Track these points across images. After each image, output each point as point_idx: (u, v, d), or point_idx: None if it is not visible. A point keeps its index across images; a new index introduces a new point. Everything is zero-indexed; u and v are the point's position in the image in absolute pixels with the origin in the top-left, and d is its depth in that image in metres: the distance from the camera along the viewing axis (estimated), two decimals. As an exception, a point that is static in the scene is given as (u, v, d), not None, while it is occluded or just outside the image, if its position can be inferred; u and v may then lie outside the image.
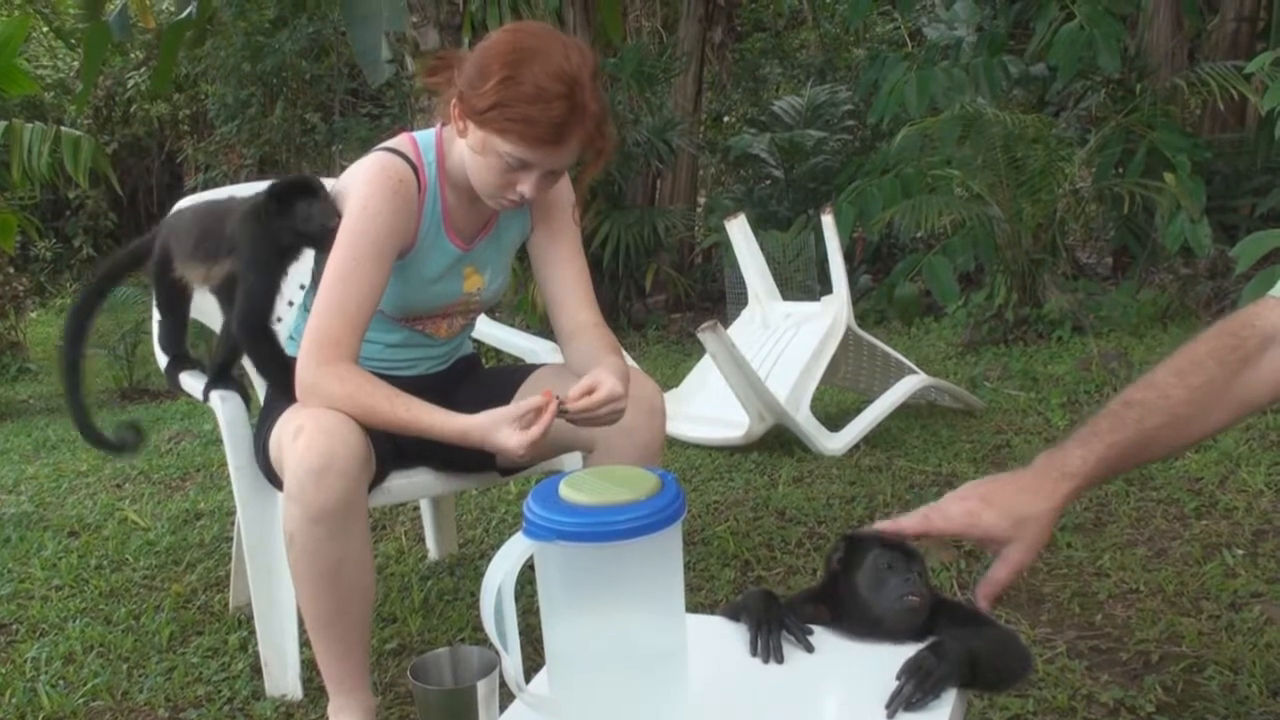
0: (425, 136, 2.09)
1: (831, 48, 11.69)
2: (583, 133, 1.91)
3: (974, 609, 1.44)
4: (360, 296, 1.96)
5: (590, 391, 1.86)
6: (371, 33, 6.74)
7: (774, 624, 1.39)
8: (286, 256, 2.21)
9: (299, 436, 1.87)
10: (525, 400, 1.83)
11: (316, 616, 2.00)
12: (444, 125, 2.08)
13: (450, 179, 2.07)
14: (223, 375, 2.32)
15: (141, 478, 4.32)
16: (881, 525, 1.45)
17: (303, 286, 2.37)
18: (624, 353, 2.12)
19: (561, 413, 1.84)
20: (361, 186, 2.01)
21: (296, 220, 2.12)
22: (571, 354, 2.13)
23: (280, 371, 2.11)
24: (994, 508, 1.40)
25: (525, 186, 1.94)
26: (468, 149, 1.96)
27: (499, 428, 1.82)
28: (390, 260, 2.01)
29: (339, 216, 2.03)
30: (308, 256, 2.35)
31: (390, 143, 2.09)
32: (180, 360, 2.49)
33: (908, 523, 1.43)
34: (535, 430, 1.80)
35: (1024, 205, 5.61)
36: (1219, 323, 1.47)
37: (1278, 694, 2.05)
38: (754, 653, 1.37)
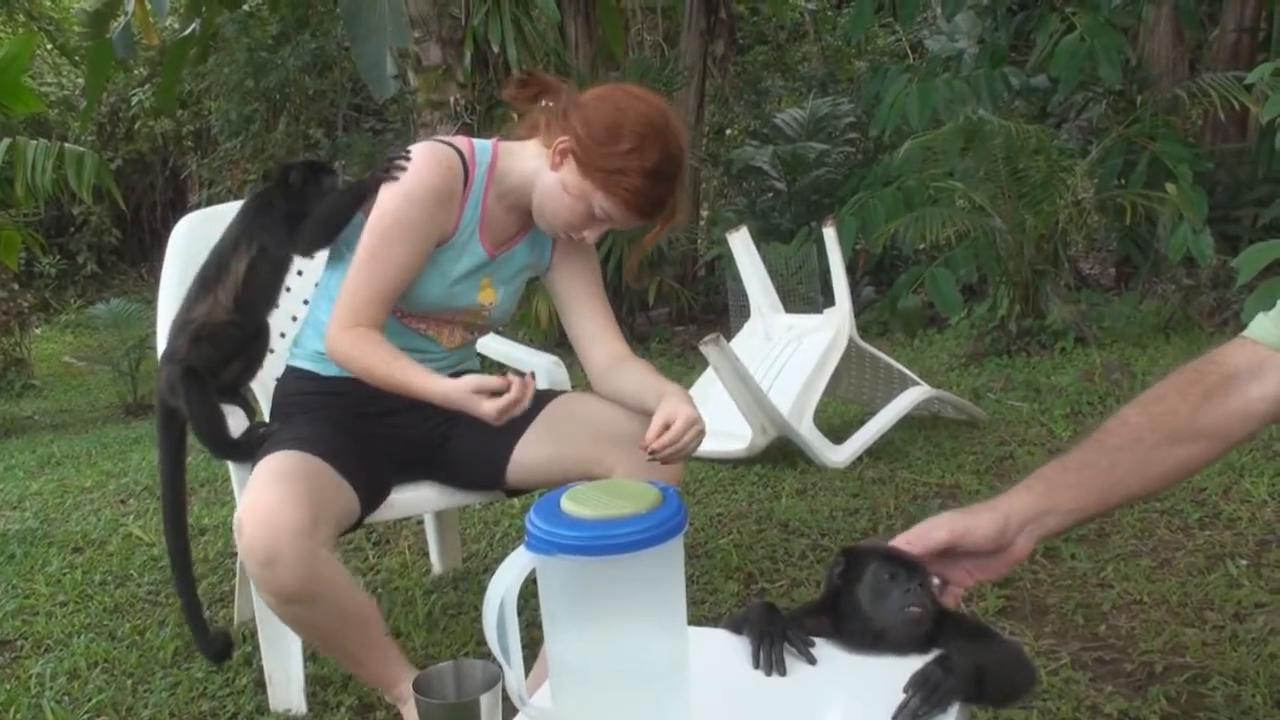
0: (482, 143, 2.17)
1: (833, 60, 11.70)
2: (670, 208, 2.06)
3: (978, 621, 1.44)
4: (387, 275, 2.05)
5: (667, 425, 1.93)
6: (376, 48, 6.77)
7: (776, 636, 1.39)
8: (273, 248, 2.26)
9: (241, 533, 1.92)
10: (499, 377, 1.91)
11: (338, 655, 2.16)
12: (501, 140, 2.18)
13: (497, 187, 2.14)
14: (227, 392, 2.33)
15: (145, 493, 4.33)
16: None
17: (306, 302, 2.38)
18: None
19: (652, 454, 1.92)
20: (409, 167, 2.07)
21: (322, 190, 2.19)
22: (613, 382, 2.18)
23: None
24: (955, 510, 1.46)
25: (591, 233, 2.09)
26: (554, 183, 2.05)
27: (471, 397, 1.92)
28: (424, 244, 2.08)
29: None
30: (309, 273, 2.36)
31: (445, 136, 2.18)
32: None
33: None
34: (505, 400, 1.90)
35: (1026, 216, 5.61)
36: (1190, 361, 1.50)
37: (1282, 704, 2.05)
38: (756, 665, 1.37)
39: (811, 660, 1.37)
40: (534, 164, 2.10)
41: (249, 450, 2.23)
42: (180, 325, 2.27)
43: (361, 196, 2.14)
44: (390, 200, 2.05)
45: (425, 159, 2.07)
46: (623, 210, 2.02)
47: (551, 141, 2.06)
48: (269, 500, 1.92)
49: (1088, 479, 1.45)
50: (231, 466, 2.29)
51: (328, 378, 2.19)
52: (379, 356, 2.01)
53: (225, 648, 2.47)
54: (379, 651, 2.08)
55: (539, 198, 2.09)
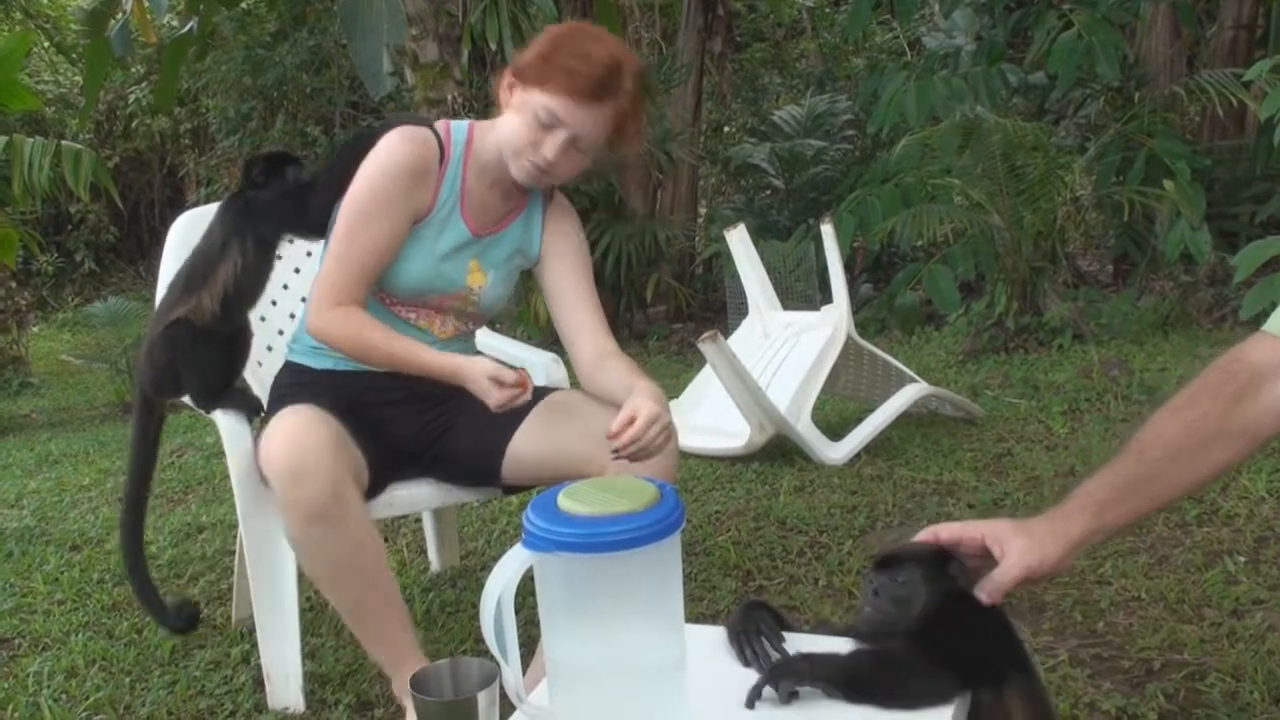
0: (459, 123, 2.19)
1: (831, 58, 11.69)
2: (616, 106, 2.03)
3: (987, 627, 1.42)
4: (364, 252, 2.06)
5: (631, 421, 1.91)
6: (372, 45, 6.75)
7: (750, 632, 1.40)
8: (272, 235, 2.24)
9: (268, 453, 1.95)
10: (507, 371, 1.93)
11: (344, 608, 2.10)
12: (476, 122, 2.20)
13: (476, 163, 2.15)
14: (220, 392, 2.32)
15: (144, 491, 4.32)
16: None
17: (304, 299, 2.38)
18: None
19: (615, 453, 1.91)
20: (381, 147, 2.09)
21: (286, 183, 2.17)
22: (599, 380, 2.17)
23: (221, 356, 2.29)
24: (1006, 521, 1.47)
25: (549, 149, 2.03)
26: (505, 117, 2.07)
27: (485, 379, 1.95)
28: (400, 220, 2.08)
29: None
30: (307, 271, 2.35)
31: (419, 115, 2.20)
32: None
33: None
34: (510, 393, 1.94)
35: (1024, 213, 5.60)
36: (1214, 362, 1.52)
37: (1280, 701, 2.05)
38: (744, 663, 1.38)
39: (783, 656, 1.38)
40: (496, 131, 2.14)
41: (242, 401, 2.27)
42: (158, 324, 2.27)
43: (360, 155, 2.13)
44: (364, 178, 2.08)
45: (397, 137, 2.09)
46: (560, 95, 2.00)
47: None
48: (295, 423, 1.96)
49: (1133, 496, 1.48)
50: (222, 424, 2.26)
51: (321, 371, 2.20)
52: (376, 333, 2.02)
53: (191, 617, 2.45)
54: (394, 619, 2.08)
55: (501, 139, 2.11)
